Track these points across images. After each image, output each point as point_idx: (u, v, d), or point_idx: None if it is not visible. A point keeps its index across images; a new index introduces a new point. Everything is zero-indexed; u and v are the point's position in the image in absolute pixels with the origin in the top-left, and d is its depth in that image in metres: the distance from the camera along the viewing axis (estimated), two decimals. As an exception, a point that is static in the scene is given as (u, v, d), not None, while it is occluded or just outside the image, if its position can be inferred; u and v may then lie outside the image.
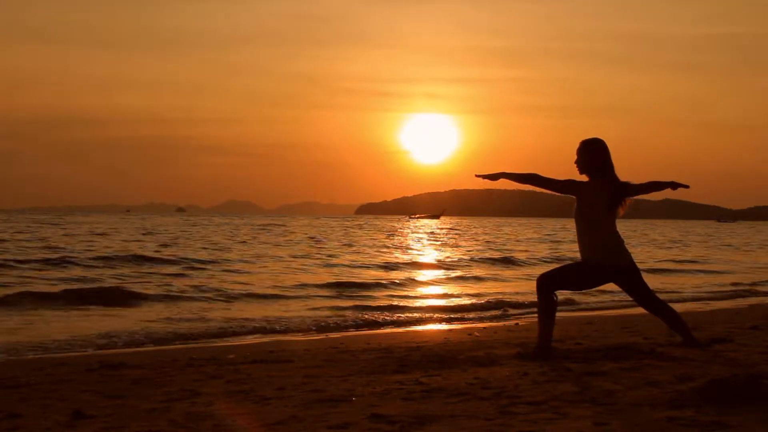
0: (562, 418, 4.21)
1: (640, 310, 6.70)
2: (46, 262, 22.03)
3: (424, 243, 43.54)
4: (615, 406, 4.45)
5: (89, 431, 4.42)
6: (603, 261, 6.27)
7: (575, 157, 6.40)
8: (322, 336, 10.41)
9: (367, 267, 24.25)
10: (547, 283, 6.30)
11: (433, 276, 21.71)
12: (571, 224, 6.46)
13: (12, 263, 21.16)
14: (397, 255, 30.81)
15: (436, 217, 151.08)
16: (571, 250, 34.24)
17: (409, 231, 69.11)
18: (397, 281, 19.57)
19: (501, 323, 11.59)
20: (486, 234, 62.62)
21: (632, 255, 6.41)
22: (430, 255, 31.39)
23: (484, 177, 6.45)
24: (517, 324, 11.11)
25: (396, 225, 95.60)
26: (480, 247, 38.16)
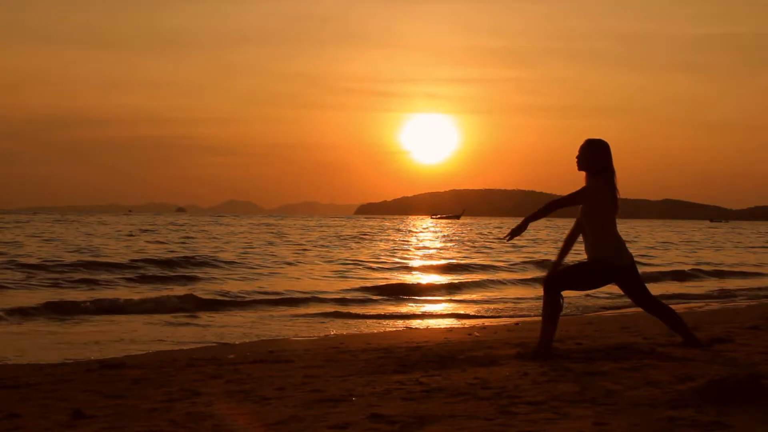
0: (562, 418, 4.21)
1: (641, 310, 6.70)
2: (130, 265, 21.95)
3: (474, 244, 42.83)
4: (615, 406, 4.44)
5: (89, 431, 4.42)
6: (608, 260, 6.27)
7: (576, 153, 6.42)
8: (322, 336, 10.40)
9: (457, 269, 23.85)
10: (553, 284, 6.30)
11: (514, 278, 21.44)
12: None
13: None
14: (466, 257, 30.52)
15: (458, 217, 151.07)
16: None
17: (447, 231, 68.12)
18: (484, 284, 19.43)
19: (501, 323, 11.58)
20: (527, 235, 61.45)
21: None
22: (492, 257, 30.80)
23: (513, 236, 6.43)
24: (517, 324, 11.11)
25: (427, 225, 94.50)
26: (532, 249, 37.22)
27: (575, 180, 6.53)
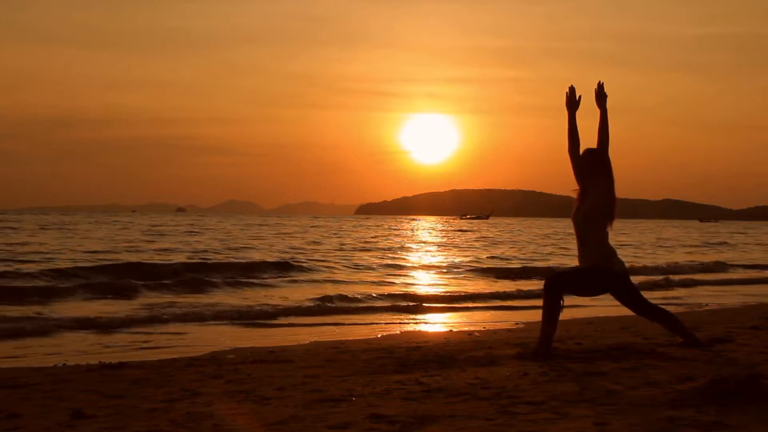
0: (562, 418, 4.21)
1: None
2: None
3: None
4: (615, 406, 4.44)
5: (89, 431, 4.42)
6: (609, 266, 6.27)
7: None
8: (322, 337, 10.39)
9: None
10: (555, 285, 6.30)
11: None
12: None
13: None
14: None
15: (486, 217, 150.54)
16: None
17: (497, 232, 66.02)
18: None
19: (502, 323, 11.57)
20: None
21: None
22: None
23: (572, 97, 6.46)
24: (517, 324, 11.12)
25: (470, 225, 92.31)
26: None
27: (574, 180, 6.53)
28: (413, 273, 22.75)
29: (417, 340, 8.97)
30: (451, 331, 10.45)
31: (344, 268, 23.25)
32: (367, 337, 9.82)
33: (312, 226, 71.29)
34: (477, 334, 9.59)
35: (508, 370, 5.75)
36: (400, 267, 24.57)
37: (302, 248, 32.96)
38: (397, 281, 19.93)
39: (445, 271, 23.45)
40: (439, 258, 29.47)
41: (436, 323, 12.05)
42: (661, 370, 5.49)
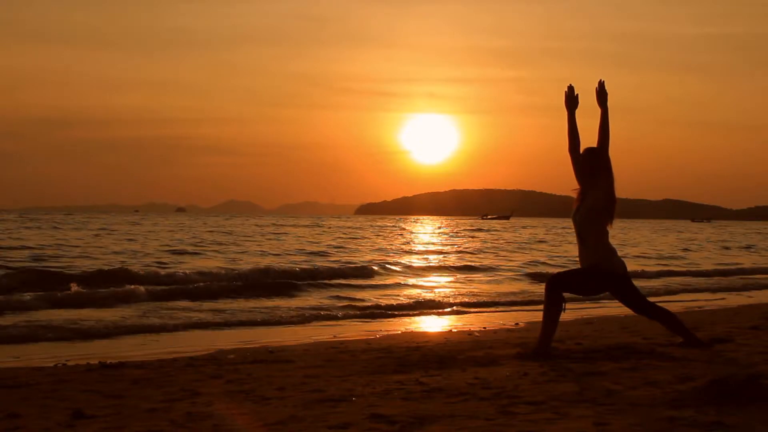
0: (562, 418, 4.21)
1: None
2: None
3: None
4: (615, 406, 4.45)
5: (89, 431, 4.42)
6: (609, 266, 6.26)
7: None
8: (322, 336, 10.39)
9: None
10: (555, 285, 6.30)
11: None
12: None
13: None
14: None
15: (507, 217, 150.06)
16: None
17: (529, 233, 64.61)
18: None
19: (502, 323, 11.58)
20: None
21: None
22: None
23: (571, 95, 6.48)
24: (517, 324, 11.12)
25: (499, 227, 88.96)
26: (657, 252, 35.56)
27: (574, 180, 6.54)
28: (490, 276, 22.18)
29: (417, 340, 8.97)
30: (451, 331, 10.45)
31: (419, 270, 23.05)
32: (367, 337, 9.82)
33: (349, 227, 69.77)
34: (477, 334, 9.59)
35: (508, 370, 5.75)
36: (473, 269, 24.09)
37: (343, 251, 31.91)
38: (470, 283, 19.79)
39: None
40: (505, 260, 28.79)
41: (436, 323, 12.06)
42: (661, 370, 5.49)
